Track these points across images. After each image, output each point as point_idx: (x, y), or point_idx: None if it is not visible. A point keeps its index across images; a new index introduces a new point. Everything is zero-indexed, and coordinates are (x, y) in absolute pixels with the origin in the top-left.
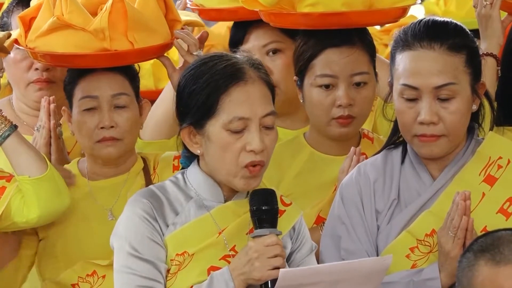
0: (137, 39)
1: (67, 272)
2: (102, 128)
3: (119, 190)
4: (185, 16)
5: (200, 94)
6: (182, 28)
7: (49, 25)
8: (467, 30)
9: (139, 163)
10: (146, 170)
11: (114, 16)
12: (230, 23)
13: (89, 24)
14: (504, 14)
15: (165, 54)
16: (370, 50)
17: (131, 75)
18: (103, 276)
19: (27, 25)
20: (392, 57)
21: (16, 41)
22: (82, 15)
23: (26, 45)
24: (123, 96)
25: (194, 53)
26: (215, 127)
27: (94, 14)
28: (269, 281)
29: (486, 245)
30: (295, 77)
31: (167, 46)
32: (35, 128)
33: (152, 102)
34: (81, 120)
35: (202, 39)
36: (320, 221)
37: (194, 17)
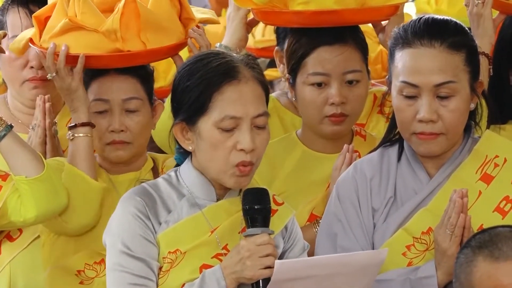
0: (150, 40)
1: (75, 257)
2: (112, 131)
3: (132, 185)
4: (201, 14)
5: (193, 90)
6: (197, 26)
7: (61, 27)
8: (467, 29)
9: (149, 163)
10: (155, 170)
11: (126, 17)
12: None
13: (102, 25)
14: (495, 13)
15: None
16: (362, 48)
17: (144, 77)
18: None
19: (42, 24)
20: (391, 54)
21: (31, 40)
22: (95, 16)
23: (41, 45)
24: (134, 100)
25: None
26: (206, 124)
27: (110, 11)
28: (260, 280)
29: (484, 241)
30: (287, 75)
31: (180, 46)
32: (30, 127)
33: None
34: (93, 121)
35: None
36: (313, 219)
37: (209, 14)
